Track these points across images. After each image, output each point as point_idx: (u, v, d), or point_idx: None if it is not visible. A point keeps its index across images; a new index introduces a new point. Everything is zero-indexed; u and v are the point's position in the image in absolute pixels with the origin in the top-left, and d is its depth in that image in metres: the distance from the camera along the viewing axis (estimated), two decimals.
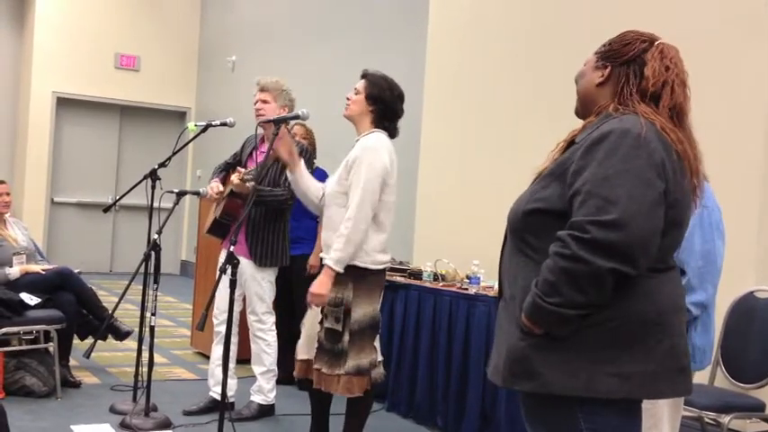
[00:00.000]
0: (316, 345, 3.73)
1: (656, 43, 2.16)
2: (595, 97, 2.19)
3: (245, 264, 4.53)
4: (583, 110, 2.25)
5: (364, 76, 3.88)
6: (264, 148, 4.69)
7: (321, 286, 3.65)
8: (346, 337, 3.65)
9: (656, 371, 2.00)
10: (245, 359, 5.02)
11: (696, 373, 3.00)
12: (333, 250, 3.65)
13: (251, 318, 4.69)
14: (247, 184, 4.40)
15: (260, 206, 4.54)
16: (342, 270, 3.64)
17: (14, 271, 5.25)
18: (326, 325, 3.67)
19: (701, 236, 3.02)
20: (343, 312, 3.64)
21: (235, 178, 4.50)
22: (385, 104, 3.80)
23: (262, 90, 4.72)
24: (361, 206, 3.64)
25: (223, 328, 4.61)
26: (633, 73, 2.13)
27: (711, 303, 3.18)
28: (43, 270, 5.34)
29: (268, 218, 4.62)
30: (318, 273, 3.97)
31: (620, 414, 2.04)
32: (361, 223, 3.64)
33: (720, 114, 4.23)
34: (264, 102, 4.68)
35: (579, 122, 2.24)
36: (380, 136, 3.81)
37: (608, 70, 2.17)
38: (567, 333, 1.98)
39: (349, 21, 8.42)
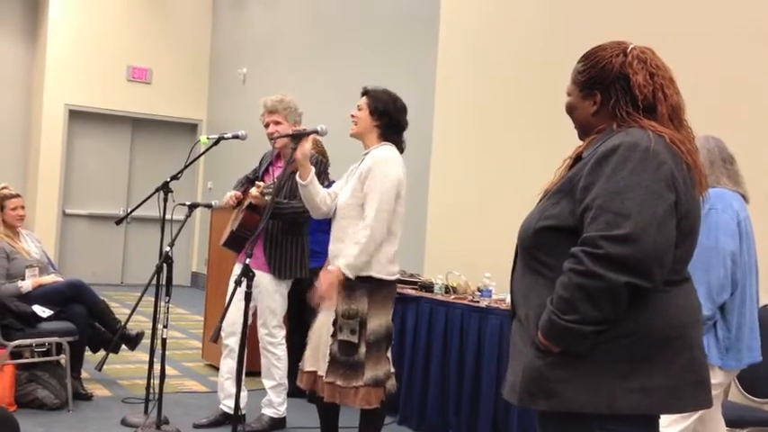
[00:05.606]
0: (327, 358, 3.72)
1: (629, 51, 2.13)
2: (595, 124, 2.17)
3: (260, 276, 4.49)
4: (585, 135, 2.23)
5: (366, 93, 3.89)
6: (281, 163, 4.69)
7: (330, 287, 3.62)
8: (363, 349, 3.65)
9: (677, 384, 1.99)
10: (254, 372, 5.01)
11: None
12: (346, 256, 3.64)
13: (262, 331, 4.65)
14: (266, 197, 4.36)
15: (278, 219, 4.52)
16: (351, 276, 3.64)
17: (27, 284, 5.25)
18: (341, 337, 3.66)
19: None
20: (359, 324, 3.64)
21: (254, 191, 4.48)
22: (390, 117, 3.82)
23: (271, 112, 4.66)
24: (379, 216, 3.66)
25: (231, 341, 4.60)
26: (621, 90, 2.11)
27: (728, 301, 3.24)
28: (55, 282, 5.35)
29: (286, 230, 4.61)
30: None
31: (638, 429, 2.02)
32: (378, 233, 3.66)
33: (728, 122, 4.21)
34: (277, 123, 4.64)
35: None
36: (390, 148, 3.83)
37: (598, 98, 2.15)
38: (585, 350, 1.97)
39: (359, 33, 8.44)
